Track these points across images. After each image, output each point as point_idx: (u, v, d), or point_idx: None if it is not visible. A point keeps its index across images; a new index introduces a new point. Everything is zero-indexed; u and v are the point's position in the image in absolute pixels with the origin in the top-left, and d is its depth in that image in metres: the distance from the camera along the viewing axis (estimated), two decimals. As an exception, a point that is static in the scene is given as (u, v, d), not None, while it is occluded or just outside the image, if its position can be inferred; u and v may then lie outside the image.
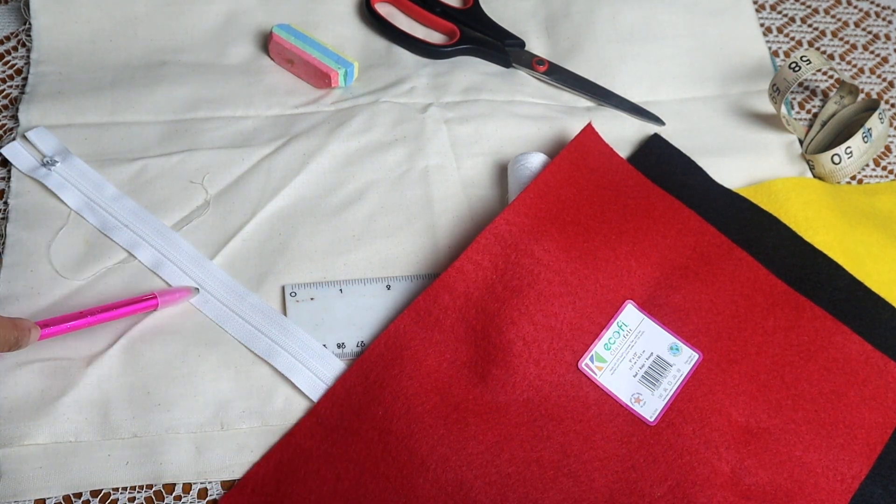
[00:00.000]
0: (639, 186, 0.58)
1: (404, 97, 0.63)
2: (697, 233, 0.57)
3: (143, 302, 0.51)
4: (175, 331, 0.52)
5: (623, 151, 0.61)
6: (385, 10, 0.68)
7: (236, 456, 0.49)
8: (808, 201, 0.59)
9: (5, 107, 0.61)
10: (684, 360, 0.52)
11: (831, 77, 0.69)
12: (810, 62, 0.59)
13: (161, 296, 0.51)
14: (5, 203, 0.56)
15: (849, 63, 0.70)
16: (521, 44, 0.66)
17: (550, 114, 0.63)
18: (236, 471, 0.49)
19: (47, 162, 0.57)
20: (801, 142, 0.63)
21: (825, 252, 0.56)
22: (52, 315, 0.51)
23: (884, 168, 0.65)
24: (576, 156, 0.57)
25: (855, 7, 0.73)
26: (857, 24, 0.72)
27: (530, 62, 0.66)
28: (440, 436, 0.48)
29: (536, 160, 0.57)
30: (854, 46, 0.71)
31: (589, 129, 0.59)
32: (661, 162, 0.60)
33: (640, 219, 0.56)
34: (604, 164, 0.59)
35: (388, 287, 0.54)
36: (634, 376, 0.51)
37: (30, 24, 0.64)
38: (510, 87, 0.65)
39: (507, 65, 0.66)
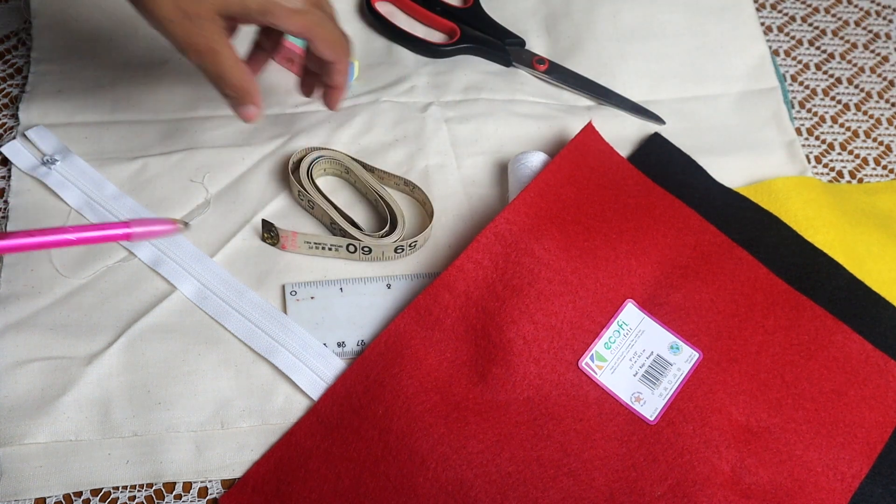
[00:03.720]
0: (639, 185, 0.58)
1: (405, 96, 0.63)
2: (698, 232, 0.57)
3: (111, 229, 0.44)
4: (175, 329, 0.52)
5: (623, 150, 0.61)
6: (385, 9, 0.68)
7: (236, 455, 0.49)
8: (809, 200, 0.59)
9: (5, 105, 0.61)
10: (684, 359, 0.52)
11: (832, 76, 0.69)
12: None
13: (137, 225, 0.44)
14: (5, 202, 0.56)
15: (849, 62, 0.70)
16: (522, 43, 0.66)
17: (551, 113, 0.63)
18: (236, 469, 0.49)
19: (47, 160, 0.57)
20: None
21: (825, 251, 0.56)
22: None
23: (884, 167, 0.65)
24: (576, 155, 0.57)
25: (855, 6, 0.73)
26: (857, 23, 0.72)
27: (530, 61, 0.66)
28: (440, 435, 0.48)
29: (537, 159, 0.57)
30: (854, 45, 0.71)
31: (589, 129, 0.59)
32: (661, 161, 0.60)
33: (640, 218, 0.56)
34: (604, 163, 0.59)
35: (389, 286, 0.54)
36: (635, 375, 0.51)
37: (30, 22, 0.64)
38: (510, 86, 0.65)
39: (507, 64, 0.66)
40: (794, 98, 0.67)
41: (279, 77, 0.64)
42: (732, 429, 0.50)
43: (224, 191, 0.58)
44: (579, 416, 0.50)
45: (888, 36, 0.72)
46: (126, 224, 0.44)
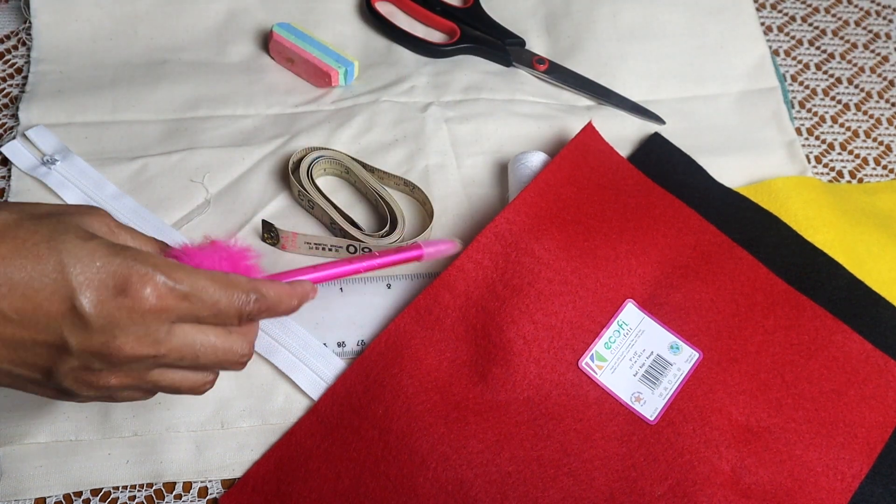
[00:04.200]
0: (639, 185, 0.58)
1: (405, 96, 0.63)
2: (698, 232, 0.57)
3: (408, 252, 0.51)
4: (175, 329, 0.52)
5: (623, 150, 0.61)
6: (385, 9, 0.68)
7: (236, 454, 0.49)
8: (809, 200, 0.59)
9: (6, 105, 0.61)
10: (684, 358, 0.52)
11: (832, 76, 0.69)
12: None
13: (426, 247, 0.52)
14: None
15: (849, 62, 0.70)
16: (522, 42, 0.66)
17: (551, 113, 0.63)
18: (236, 469, 0.49)
19: (47, 160, 0.57)
20: None
21: (825, 251, 0.56)
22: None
23: (884, 167, 0.65)
24: (576, 155, 0.57)
25: (855, 6, 0.73)
26: (857, 23, 0.72)
27: (530, 61, 0.66)
28: (440, 434, 0.48)
29: (537, 159, 0.57)
30: (854, 45, 0.71)
31: (589, 128, 0.59)
32: (661, 161, 0.60)
33: (640, 218, 0.56)
34: (604, 162, 0.59)
35: (389, 286, 0.54)
36: (635, 375, 0.51)
37: (30, 22, 0.64)
38: (510, 85, 0.65)
39: (507, 64, 0.66)
40: (794, 98, 0.67)
41: (280, 76, 0.64)
42: (732, 429, 0.50)
43: (224, 191, 0.58)
44: (579, 416, 0.50)
45: (888, 36, 0.72)
46: (418, 247, 0.51)
